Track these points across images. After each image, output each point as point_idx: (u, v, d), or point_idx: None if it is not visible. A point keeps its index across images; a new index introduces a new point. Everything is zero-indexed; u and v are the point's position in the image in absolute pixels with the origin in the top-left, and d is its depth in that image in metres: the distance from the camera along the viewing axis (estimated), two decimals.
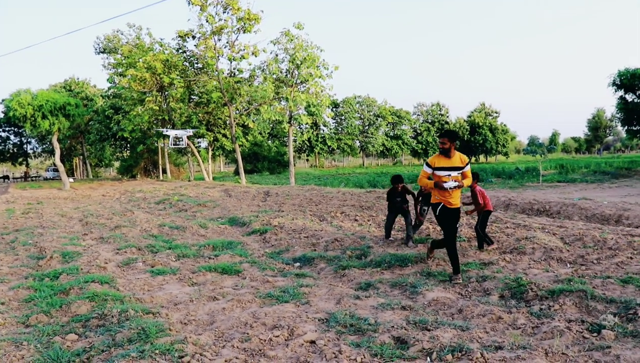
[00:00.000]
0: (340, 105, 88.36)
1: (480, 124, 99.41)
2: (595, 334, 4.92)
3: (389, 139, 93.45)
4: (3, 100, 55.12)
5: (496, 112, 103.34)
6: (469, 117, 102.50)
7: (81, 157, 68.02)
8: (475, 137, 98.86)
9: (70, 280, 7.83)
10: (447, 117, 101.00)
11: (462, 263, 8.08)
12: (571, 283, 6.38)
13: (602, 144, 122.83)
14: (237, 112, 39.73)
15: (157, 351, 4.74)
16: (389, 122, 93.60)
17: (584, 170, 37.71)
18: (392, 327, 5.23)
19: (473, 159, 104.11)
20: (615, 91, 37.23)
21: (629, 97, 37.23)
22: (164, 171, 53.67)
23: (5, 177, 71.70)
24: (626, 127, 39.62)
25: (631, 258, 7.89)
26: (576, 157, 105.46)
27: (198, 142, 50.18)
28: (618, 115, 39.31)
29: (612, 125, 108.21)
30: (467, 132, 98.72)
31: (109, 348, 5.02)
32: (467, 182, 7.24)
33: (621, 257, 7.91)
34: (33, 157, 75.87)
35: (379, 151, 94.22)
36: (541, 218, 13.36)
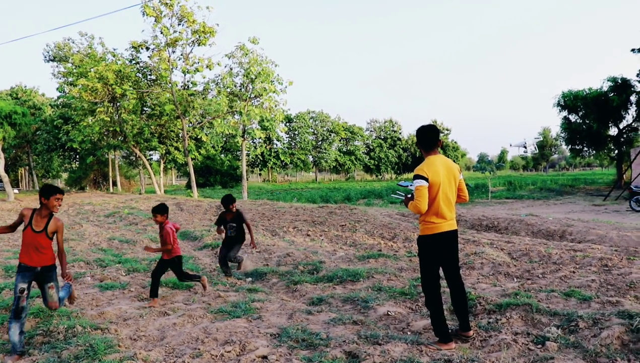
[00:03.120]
0: (294, 120, 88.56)
1: None
2: (539, 346, 5.07)
3: (342, 154, 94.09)
4: None
5: (447, 130, 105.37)
6: None
7: (27, 167, 66.12)
8: None
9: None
10: (400, 133, 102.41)
11: (412, 278, 8.20)
12: (518, 297, 6.56)
13: (547, 162, 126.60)
14: (190, 125, 39.39)
15: None
16: (342, 138, 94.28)
17: (531, 187, 38.78)
18: (344, 341, 5.26)
19: None
20: (560, 111, 38.59)
21: (572, 118, 38.64)
22: (114, 183, 52.62)
23: None
24: (570, 146, 41.02)
25: (574, 272, 8.18)
26: (524, 174, 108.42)
27: (150, 155, 49.47)
28: (562, 135, 40.64)
29: (557, 144, 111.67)
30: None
31: None
32: (410, 206, 5.20)
33: (564, 272, 8.20)
34: None
35: (331, 166, 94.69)
36: (490, 233, 13.72)
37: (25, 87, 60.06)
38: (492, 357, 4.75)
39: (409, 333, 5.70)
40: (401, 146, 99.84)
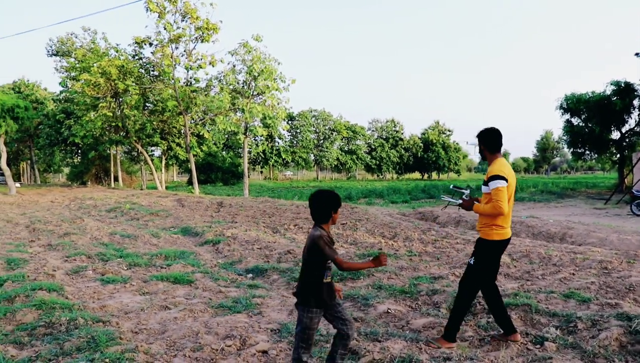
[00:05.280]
0: (296, 118, 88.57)
1: (434, 141, 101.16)
2: (538, 346, 5.11)
3: (343, 153, 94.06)
4: None
5: (449, 130, 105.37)
6: (423, 134, 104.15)
7: (29, 161, 66.14)
8: (429, 154, 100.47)
9: (16, 288, 7.62)
10: (402, 133, 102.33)
11: (412, 277, 8.24)
12: (517, 297, 6.59)
13: (549, 165, 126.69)
14: (193, 121, 39.41)
15: (107, 360, 4.70)
16: (343, 137, 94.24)
17: (532, 189, 38.75)
18: None
19: (425, 175, 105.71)
20: (562, 115, 38.51)
21: (575, 121, 38.56)
22: (116, 179, 52.60)
23: None
24: (572, 149, 40.95)
25: (573, 274, 8.22)
26: (525, 176, 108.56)
27: (152, 151, 49.50)
28: (564, 138, 40.55)
29: (559, 147, 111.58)
30: (420, 149, 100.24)
31: (57, 357, 4.94)
32: (486, 208, 5.01)
33: (564, 273, 8.24)
34: None
35: (333, 165, 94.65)
36: None
37: (28, 81, 60.02)
38: (490, 356, 4.79)
39: (408, 331, 5.74)
40: (403, 146, 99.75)
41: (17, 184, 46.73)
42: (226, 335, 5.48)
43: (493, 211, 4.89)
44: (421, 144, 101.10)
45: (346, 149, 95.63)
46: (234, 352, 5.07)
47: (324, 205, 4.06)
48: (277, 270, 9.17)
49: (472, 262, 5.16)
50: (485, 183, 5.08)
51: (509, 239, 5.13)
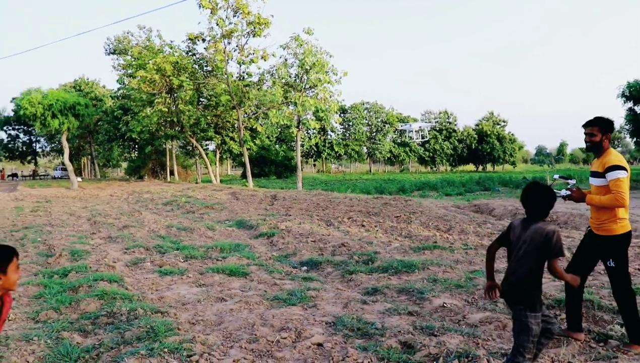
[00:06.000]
0: (348, 110, 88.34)
1: (488, 132, 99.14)
2: (601, 344, 4.93)
3: (396, 145, 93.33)
4: (14, 99, 55.67)
5: (504, 121, 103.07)
6: (477, 125, 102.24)
7: (89, 156, 68.37)
8: (483, 146, 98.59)
9: (79, 278, 7.90)
10: (455, 125, 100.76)
11: (468, 270, 8.09)
12: None
13: None
14: (246, 115, 39.83)
15: (165, 349, 4.79)
16: (396, 129, 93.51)
17: None
18: (399, 331, 5.25)
19: (480, 167, 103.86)
20: (625, 103, 37.01)
21: (638, 109, 37.08)
22: (172, 173, 53.79)
23: (14, 175, 72.44)
24: (635, 139, 39.38)
25: (639, 269, 7.91)
26: (584, 168, 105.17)
27: (206, 145, 50.30)
28: (627, 127, 39.00)
29: (621, 137, 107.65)
30: (474, 140, 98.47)
31: (118, 345, 5.07)
32: (604, 200, 4.75)
33: (630, 268, 7.92)
34: (41, 156, 76.52)
35: (386, 158, 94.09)
36: None
37: (88, 79, 61.95)
38: (550, 353, 4.65)
39: (464, 325, 5.63)
40: (456, 138, 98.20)
41: (79, 179, 48.41)
42: (281, 328, 5.50)
43: (614, 203, 4.65)
44: (475, 136, 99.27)
45: (399, 141, 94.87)
46: (290, 344, 5.09)
47: (547, 199, 3.82)
48: (331, 263, 9.16)
49: (612, 264, 4.87)
50: (597, 174, 4.83)
51: (631, 231, 4.89)
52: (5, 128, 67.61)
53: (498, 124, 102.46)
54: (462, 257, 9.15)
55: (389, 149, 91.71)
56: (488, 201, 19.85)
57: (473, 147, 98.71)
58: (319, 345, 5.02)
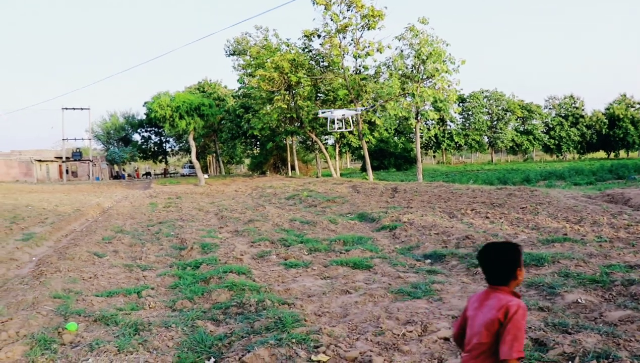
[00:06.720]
0: (467, 100, 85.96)
1: (621, 116, 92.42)
2: None
3: (518, 134, 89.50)
4: (145, 103, 59.59)
5: (639, 103, 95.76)
6: (607, 109, 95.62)
7: (214, 154, 71.59)
8: (615, 131, 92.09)
9: (210, 270, 8.27)
10: (583, 110, 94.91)
11: (603, 265, 7.54)
12: None
13: None
14: (364, 108, 39.92)
15: (293, 340, 4.88)
16: (518, 117, 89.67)
17: None
18: (530, 328, 5.01)
19: (612, 154, 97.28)
20: None
21: None
22: (293, 168, 55.03)
23: (148, 174, 77.90)
24: None
25: None
26: None
27: (325, 139, 50.99)
28: None
29: None
30: (605, 125, 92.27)
31: (248, 335, 5.25)
32: None
33: None
34: (171, 155, 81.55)
35: (508, 147, 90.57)
36: None
37: (210, 80, 64.85)
38: None
39: (602, 324, 5.24)
40: (584, 124, 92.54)
41: (205, 175, 50.87)
42: (407, 321, 5.43)
43: None
44: (605, 120, 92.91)
45: (521, 129, 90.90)
46: (416, 337, 5.01)
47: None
48: (455, 255, 8.93)
49: None
50: None
51: None
52: (139, 130, 72.77)
53: (632, 107, 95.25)
54: (595, 251, 8.56)
55: (511, 137, 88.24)
56: (623, 190, 18.42)
57: (603, 132, 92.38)
58: (446, 339, 4.91)
